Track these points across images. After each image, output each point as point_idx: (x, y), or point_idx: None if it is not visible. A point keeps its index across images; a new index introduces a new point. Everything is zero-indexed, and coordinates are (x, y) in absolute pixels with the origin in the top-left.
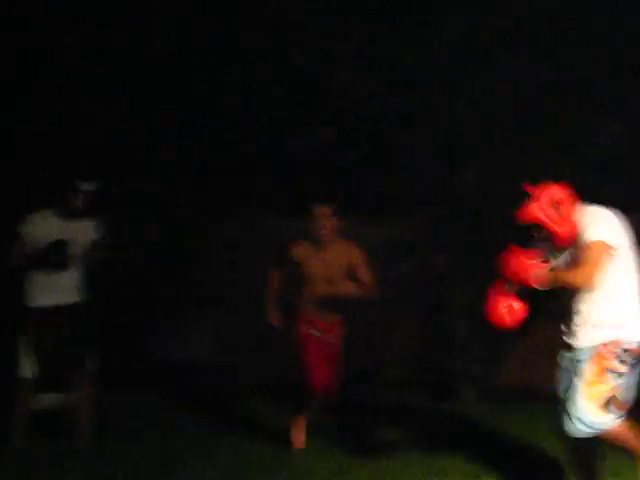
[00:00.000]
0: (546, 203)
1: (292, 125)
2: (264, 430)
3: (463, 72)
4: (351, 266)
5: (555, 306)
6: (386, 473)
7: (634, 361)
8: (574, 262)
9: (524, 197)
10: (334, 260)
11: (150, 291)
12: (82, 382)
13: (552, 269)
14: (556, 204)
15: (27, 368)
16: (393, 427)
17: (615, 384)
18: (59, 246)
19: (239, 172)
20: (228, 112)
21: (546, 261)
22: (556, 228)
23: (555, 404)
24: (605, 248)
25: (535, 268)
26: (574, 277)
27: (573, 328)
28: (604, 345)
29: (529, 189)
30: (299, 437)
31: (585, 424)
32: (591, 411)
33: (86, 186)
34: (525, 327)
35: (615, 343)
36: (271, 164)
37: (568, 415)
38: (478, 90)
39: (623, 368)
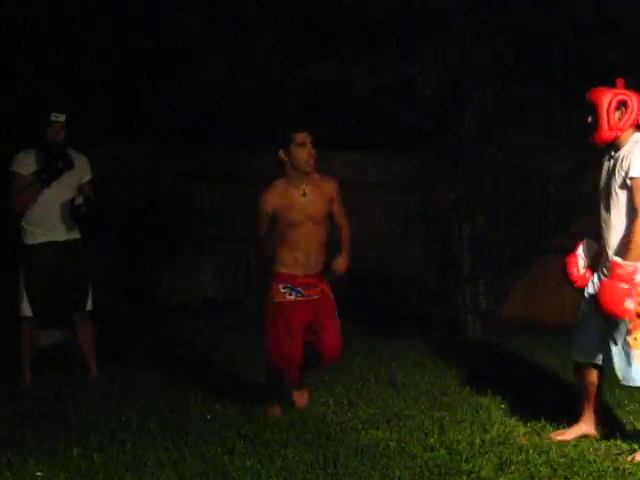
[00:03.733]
0: (614, 97)
1: (289, 59)
2: None
3: None
4: (329, 202)
5: (561, 242)
6: (393, 405)
7: None
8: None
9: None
10: (317, 196)
11: (150, 230)
12: (81, 319)
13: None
14: (621, 106)
15: (26, 306)
16: (399, 361)
17: None
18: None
19: (236, 108)
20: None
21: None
22: (603, 124)
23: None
24: None
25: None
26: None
27: None
28: None
29: (619, 81)
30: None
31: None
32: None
33: (55, 117)
34: (531, 261)
35: None
36: (270, 100)
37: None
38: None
39: None
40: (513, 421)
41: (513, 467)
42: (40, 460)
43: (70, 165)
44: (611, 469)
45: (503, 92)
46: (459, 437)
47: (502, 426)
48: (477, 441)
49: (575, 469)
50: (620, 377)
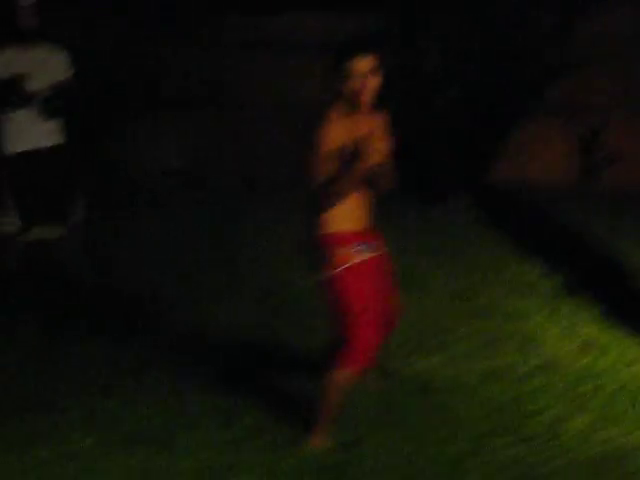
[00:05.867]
0: None
1: None
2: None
3: None
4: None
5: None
6: None
7: None
8: None
9: None
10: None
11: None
12: (70, 228)
13: None
14: None
15: (8, 223)
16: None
17: None
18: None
19: None
20: None
21: None
22: None
23: None
24: None
25: None
26: None
27: None
28: None
29: None
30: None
31: None
32: None
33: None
34: (517, 120)
35: None
36: None
37: None
38: None
39: None
40: None
41: None
42: None
43: (25, 103)
44: None
45: None
46: None
47: None
48: None
49: None
50: None
